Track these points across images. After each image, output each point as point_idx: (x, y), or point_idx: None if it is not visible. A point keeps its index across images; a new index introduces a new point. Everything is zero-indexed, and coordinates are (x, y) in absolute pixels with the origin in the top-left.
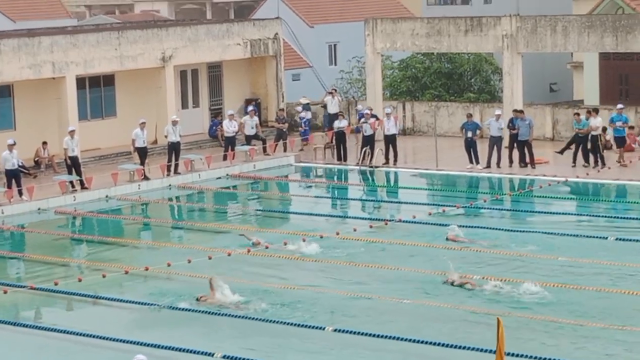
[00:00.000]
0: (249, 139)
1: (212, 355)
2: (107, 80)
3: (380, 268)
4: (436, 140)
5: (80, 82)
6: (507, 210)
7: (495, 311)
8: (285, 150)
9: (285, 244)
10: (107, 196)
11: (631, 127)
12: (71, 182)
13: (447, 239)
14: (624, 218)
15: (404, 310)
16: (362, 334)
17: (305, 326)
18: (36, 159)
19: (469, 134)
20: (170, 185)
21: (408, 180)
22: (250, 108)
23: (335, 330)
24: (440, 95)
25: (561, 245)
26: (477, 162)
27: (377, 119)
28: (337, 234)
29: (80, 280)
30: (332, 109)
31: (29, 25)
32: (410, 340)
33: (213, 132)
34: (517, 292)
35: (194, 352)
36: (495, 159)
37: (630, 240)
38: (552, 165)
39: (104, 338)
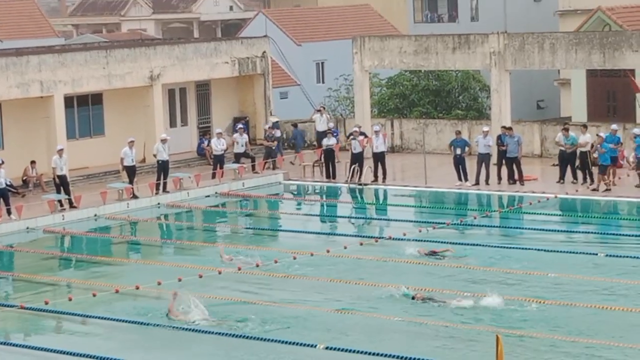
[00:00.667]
0: (238, 157)
1: None
2: (96, 99)
3: (370, 285)
4: (425, 158)
5: (69, 100)
6: (497, 227)
7: (492, 329)
8: (273, 168)
9: (276, 261)
10: (95, 215)
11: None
12: (60, 201)
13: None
14: (614, 234)
15: (396, 328)
16: (354, 351)
17: (297, 344)
18: (24, 178)
19: (458, 151)
20: (159, 203)
21: (397, 198)
22: (240, 126)
23: (326, 347)
24: (429, 113)
25: (550, 261)
26: (466, 179)
27: (366, 136)
28: (328, 251)
29: (70, 299)
30: (321, 126)
31: (16, 45)
32: (402, 358)
33: (201, 150)
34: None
35: None
36: (484, 176)
37: (620, 256)
38: (541, 182)
39: (94, 357)
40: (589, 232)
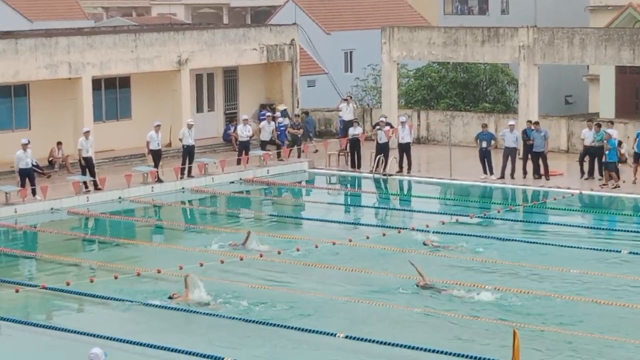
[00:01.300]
0: (264, 145)
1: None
2: (123, 82)
3: (391, 276)
4: (450, 150)
5: (96, 83)
6: (521, 221)
7: (508, 322)
8: (299, 156)
9: (298, 249)
10: (120, 197)
11: None
12: (85, 183)
13: (424, 243)
14: (638, 232)
15: (415, 319)
16: (374, 341)
17: (316, 332)
18: (50, 159)
19: (484, 144)
20: (183, 188)
21: (421, 189)
22: (268, 113)
23: (346, 337)
24: (456, 105)
25: (573, 257)
26: (492, 173)
27: (392, 127)
28: (350, 240)
29: (92, 281)
30: (347, 116)
31: (46, 26)
32: (421, 349)
33: (227, 136)
34: (530, 303)
35: (203, 356)
36: (510, 170)
37: None
38: (567, 177)
39: (113, 339)
40: (613, 230)
